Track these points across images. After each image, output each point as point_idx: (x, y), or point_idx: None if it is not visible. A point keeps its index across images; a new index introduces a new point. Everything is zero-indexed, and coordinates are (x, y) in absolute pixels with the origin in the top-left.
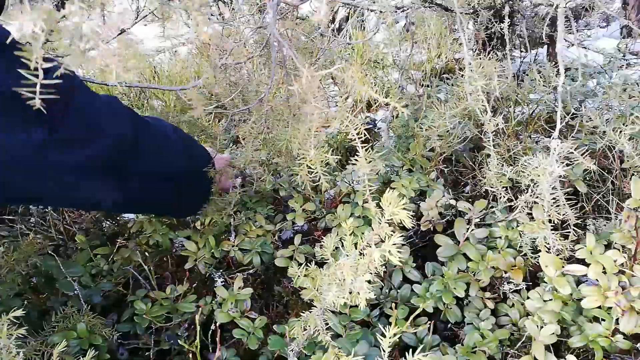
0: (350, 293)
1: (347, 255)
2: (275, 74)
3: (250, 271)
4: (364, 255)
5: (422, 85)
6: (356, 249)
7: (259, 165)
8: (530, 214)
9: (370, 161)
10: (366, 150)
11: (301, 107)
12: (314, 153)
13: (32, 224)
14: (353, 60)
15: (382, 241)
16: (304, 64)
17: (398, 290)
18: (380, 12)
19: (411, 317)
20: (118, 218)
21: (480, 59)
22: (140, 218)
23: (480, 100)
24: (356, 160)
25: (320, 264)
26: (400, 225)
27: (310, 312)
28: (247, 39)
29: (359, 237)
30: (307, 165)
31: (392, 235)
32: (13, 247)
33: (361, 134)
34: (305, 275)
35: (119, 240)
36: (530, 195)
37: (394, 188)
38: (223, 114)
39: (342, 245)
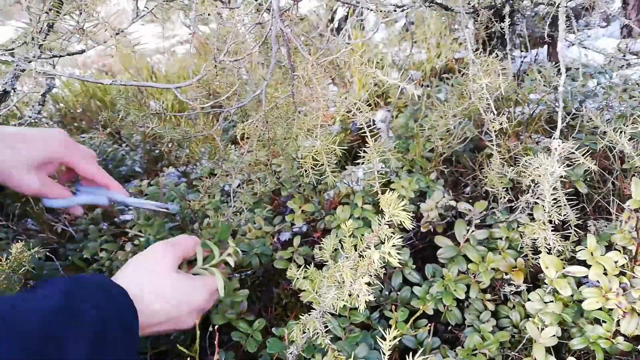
0: (349, 295)
1: (347, 257)
2: (274, 72)
3: (249, 273)
4: (363, 256)
5: (422, 85)
6: (355, 250)
7: (263, 166)
8: (531, 214)
9: (382, 151)
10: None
11: (306, 101)
12: (320, 143)
13: (27, 228)
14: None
15: (382, 243)
16: (308, 51)
17: (398, 292)
18: (380, 11)
19: (411, 320)
20: (116, 219)
21: (483, 57)
22: (140, 221)
23: (485, 99)
24: (365, 151)
25: (320, 266)
26: (400, 226)
27: (309, 314)
28: (245, 34)
29: (358, 238)
30: (312, 157)
31: (391, 236)
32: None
33: (370, 122)
34: (304, 277)
35: (120, 239)
36: (531, 196)
37: (393, 189)
38: (221, 114)
39: (342, 247)
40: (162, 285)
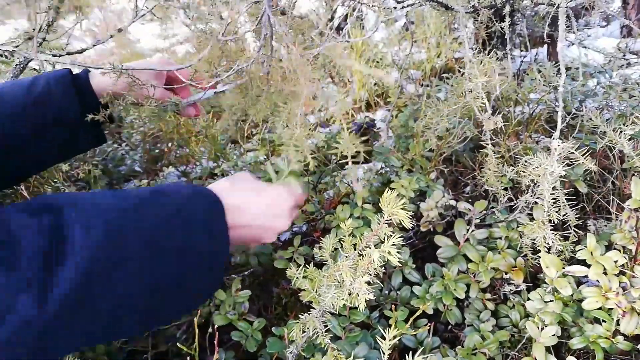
0: (349, 294)
1: (346, 256)
2: (274, 68)
3: (246, 273)
4: (363, 256)
5: (422, 84)
6: (355, 249)
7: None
8: (531, 214)
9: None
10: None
11: (287, 84)
12: (299, 131)
13: None
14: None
15: (382, 242)
16: (294, 42)
17: (398, 292)
18: (380, 5)
19: (411, 319)
20: None
21: (480, 56)
22: None
23: (480, 98)
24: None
25: (319, 265)
26: (400, 225)
27: (309, 313)
28: (242, 14)
29: (358, 237)
30: (293, 145)
31: (391, 235)
32: None
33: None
34: (304, 277)
35: None
36: (531, 196)
37: (393, 188)
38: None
39: (341, 246)
40: (244, 181)
